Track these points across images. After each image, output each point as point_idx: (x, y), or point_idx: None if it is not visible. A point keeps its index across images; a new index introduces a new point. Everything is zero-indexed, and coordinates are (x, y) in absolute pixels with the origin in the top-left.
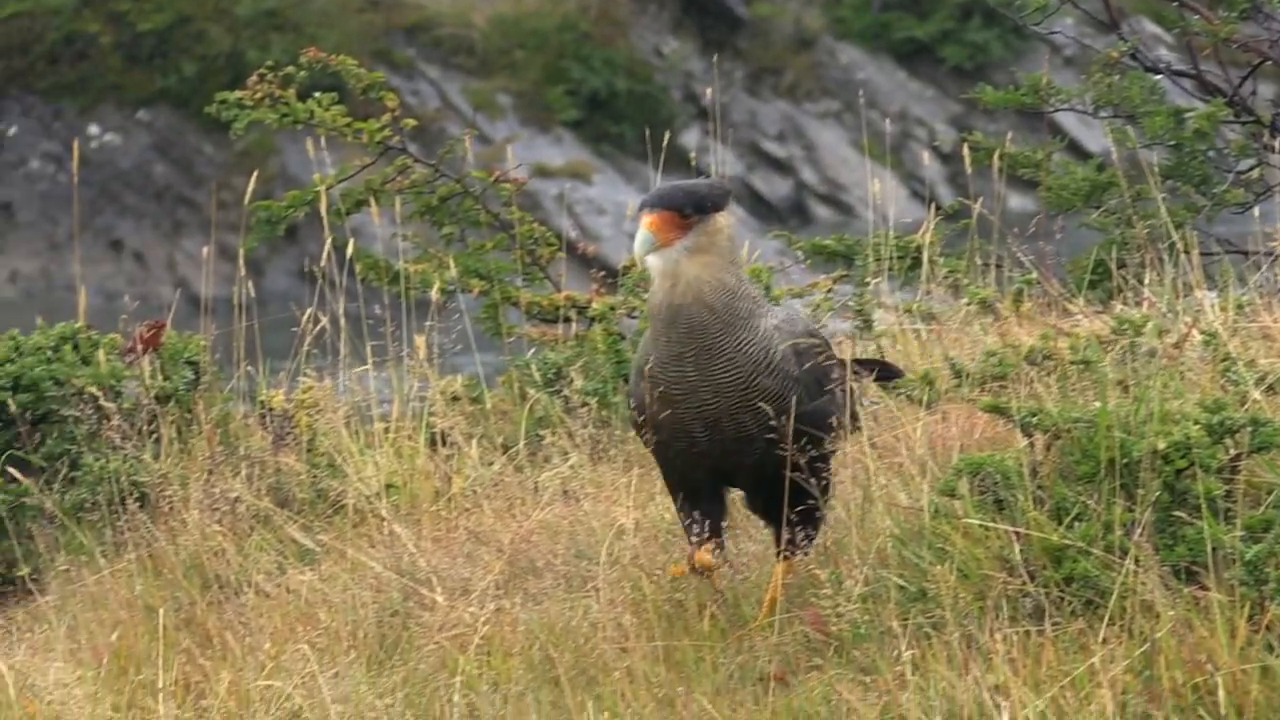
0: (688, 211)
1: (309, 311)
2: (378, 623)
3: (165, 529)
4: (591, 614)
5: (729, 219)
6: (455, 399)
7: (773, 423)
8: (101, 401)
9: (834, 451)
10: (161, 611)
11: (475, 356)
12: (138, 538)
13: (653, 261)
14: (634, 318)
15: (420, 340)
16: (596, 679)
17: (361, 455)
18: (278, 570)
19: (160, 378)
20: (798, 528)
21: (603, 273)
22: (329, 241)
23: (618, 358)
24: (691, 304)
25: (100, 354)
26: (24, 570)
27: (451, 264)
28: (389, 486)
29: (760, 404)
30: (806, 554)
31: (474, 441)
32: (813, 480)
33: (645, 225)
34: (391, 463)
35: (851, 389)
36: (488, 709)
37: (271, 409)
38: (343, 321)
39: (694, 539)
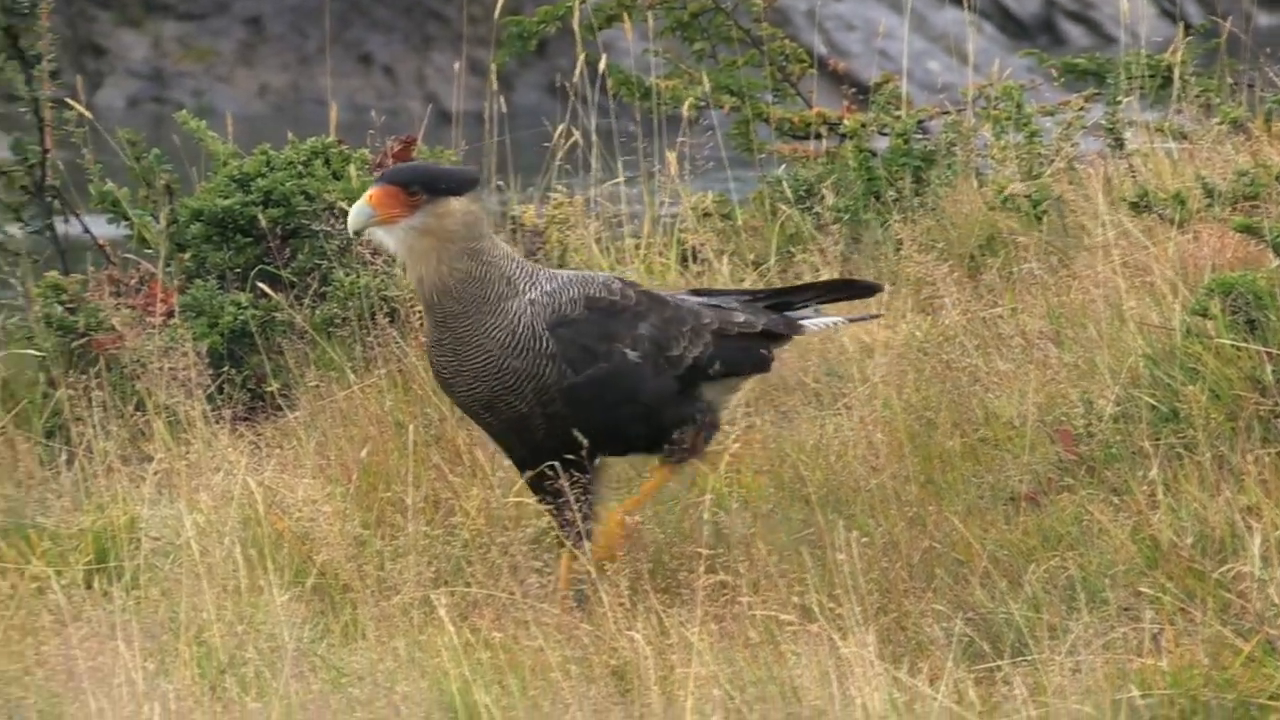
0: (414, 189)
1: (560, 127)
2: None
3: (415, 344)
4: (842, 432)
5: (466, 205)
6: (706, 215)
7: (546, 398)
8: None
9: (653, 397)
10: (411, 428)
11: (726, 173)
12: (387, 353)
13: (381, 236)
14: (885, 134)
15: (671, 156)
16: (846, 498)
17: (613, 270)
18: None
19: None
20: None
21: (853, 89)
22: (581, 57)
23: (869, 175)
24: (439, 296)
25: (351, 168)
26: (274, 386)
27: (704, 80)
28: None
29: (517, 384)
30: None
31: (725, 258)
32: (648, 432)
33: (365, 198)
34: (642, 278)
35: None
36: (737, 526)
37: (523, 224)
38: (594, 137)
39: (568, 540)
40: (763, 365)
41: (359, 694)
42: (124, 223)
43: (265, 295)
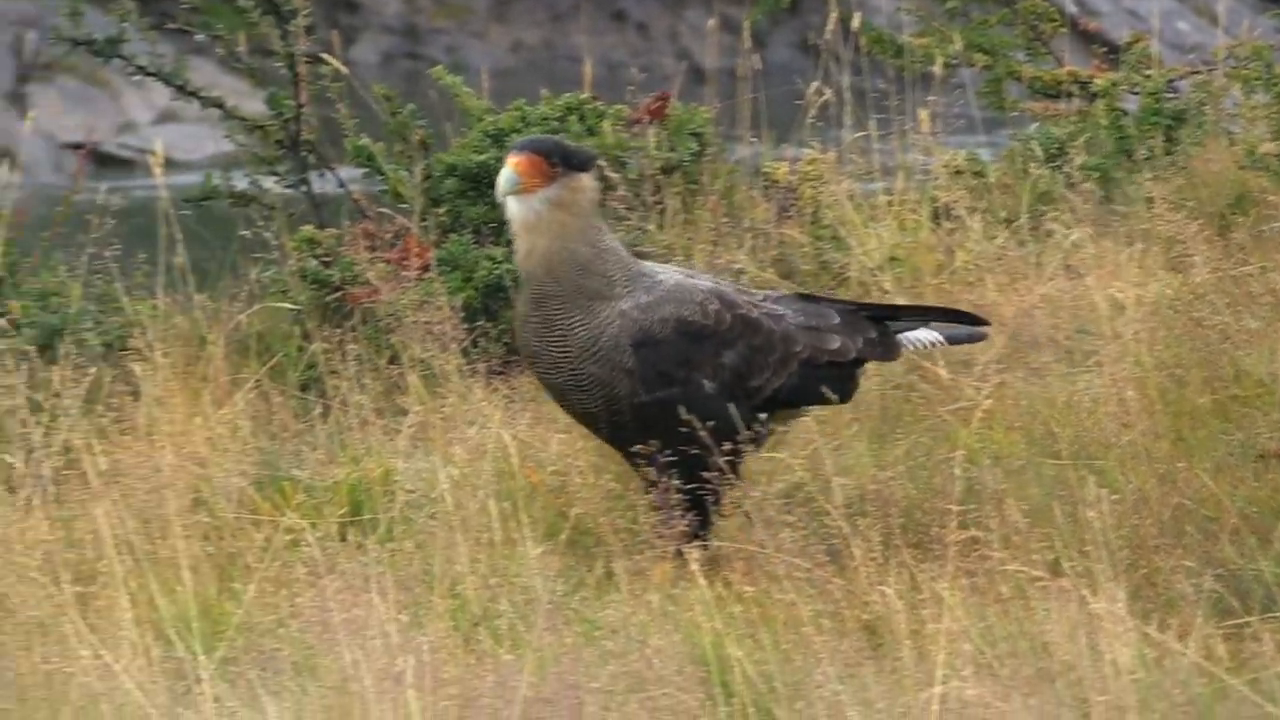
0: (554, 160)
1: (812, 84)
2: (880, 395)
3: None
4: (1093, 389)
5: (592, 182)
6: (958, 173)
7: (615, 407)
8: (607, 171)
9: (694, 449)
10: None
11: (978, 131)
12: None
13: (513, 207)
14: (1135, 94)
15: (923, 114)
16: (1097, 454)
17: (865, 228)
18: None
19: (665, 148)
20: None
21: (1103, 49)
22: (833, 14)
23: (1120, 134)
24: (541, 274)
25: (605, 124)
26: None
27: (955, 38)
28: (892, 259)
29: (590, 387)
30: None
31: (976, 215)
32: (678, 475)
33: (511, 165)
34: (894, 235)
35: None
36: (989, 481)
37: (775, 181)
38: (846, 94)
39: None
40: (845, 396)
41: (612, 647)
42: (379, 178)
43: None
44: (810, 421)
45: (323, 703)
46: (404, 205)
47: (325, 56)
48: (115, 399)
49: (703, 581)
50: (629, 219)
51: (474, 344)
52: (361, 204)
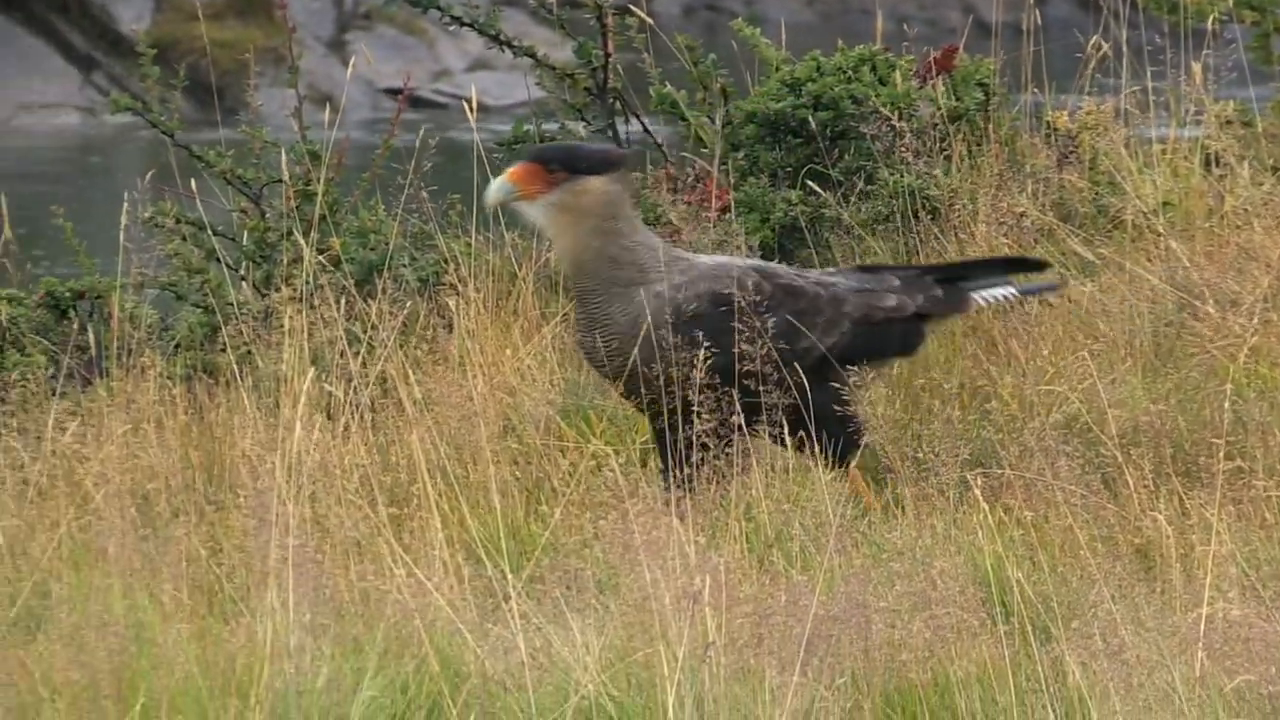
0: (553, 167)
1: (1092, 38)
2: (1153, 332)
3: (954, 241)
4: None
5: (605, 185)
6: (1228, 123)
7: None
8: (895, 120)
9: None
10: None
11: (1249, 86)
12: (928, 249)
13: (529, 212)
14: None
15: (1196, 68)
16: None
17: (1140, 174)
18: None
19: (952, 98)
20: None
21: None
22: None
23: None
24: (575, 272)
25: (896, 75)
26: None
27: None
28: (1165, 204)
29: (635, 371)
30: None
31: (1245, 163)
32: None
33: (506, 174)
34: (1168, 181)
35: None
36: (1255, 414)
37: (1056, 129)
38: (1124, 48)
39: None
40: (909, 348)
41: (898, 568)
42: (681, 124)
43: (814, 193)
44: (1085, 356)
45: (624, 619)
46: (704, 150)
47: (631, 8)
48: (430, 331)
49: (984, 506)
50: (916, 165)
51: None
52: (664, 149)
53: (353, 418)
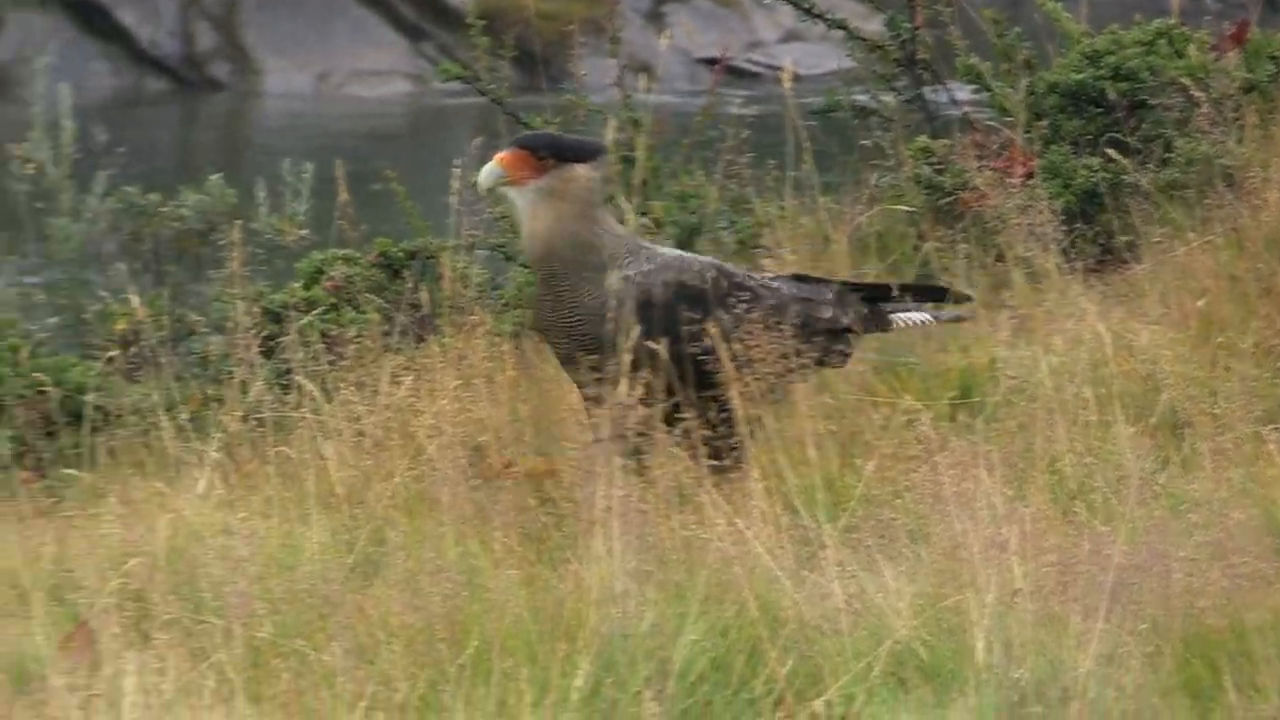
0: (542, 154)
1: None
2: None
3: (1249, 207)
4: None
5: (590, 173)
6: None
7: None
8: (1192, 91)
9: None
10: (1244, 281)
11: None
12: (1223, 214)
13: (512, 197)
14: None
15: None
16: None
17: None
18: None
19: (1244, 70)
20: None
21: None
22: None
23: None
24: (543, 255)
25: (1191, 48)
26: (1121, 241)
27: None
28: None
29: (599, 348)
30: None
31: None
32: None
33: (496, 159)
34: None
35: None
36: None
37: None
38: None
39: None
40: (838, 361)
41: (1196, 519)
42: (986, 94)
43: (1113, 160)
44: None
45: (934, 567)
46: (1008, 119)
47: None
48: None
49: (1279, 461)
50: (1211, 134)
51: (1072, 245)
52: (970, 117)
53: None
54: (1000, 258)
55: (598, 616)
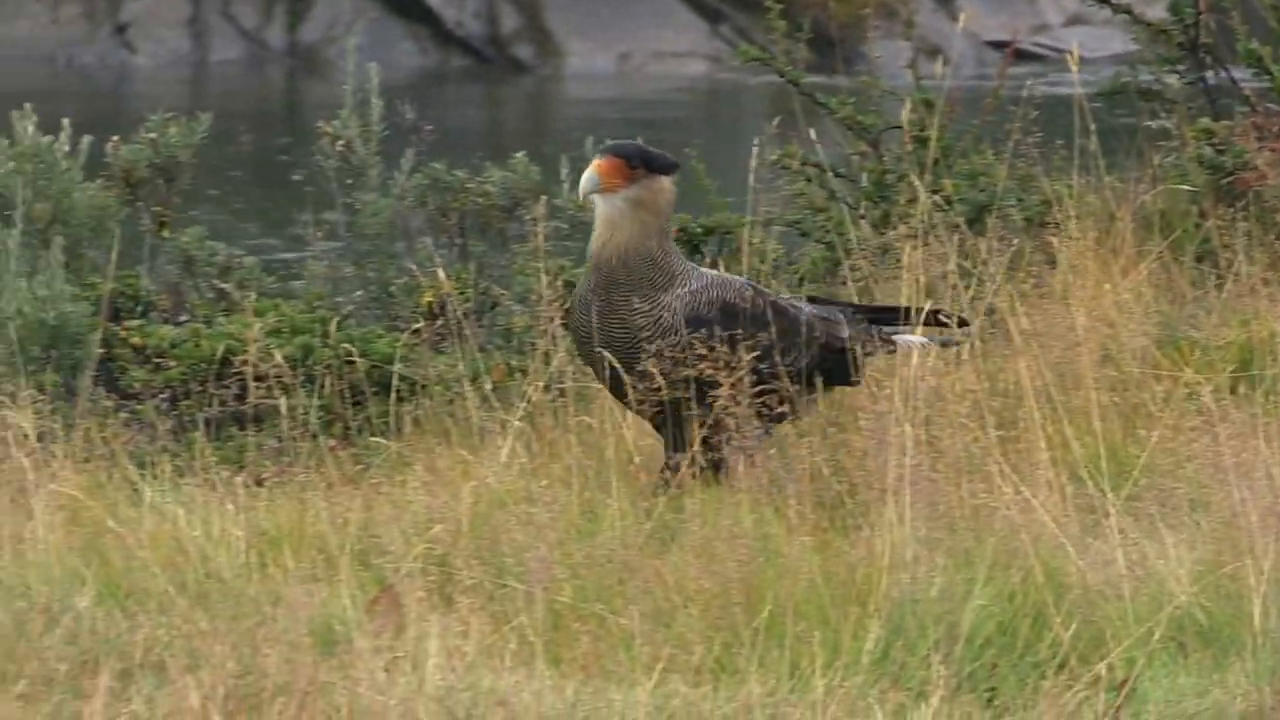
0: (635, 163)
1: None
2: None
3: None
4: None
5: (670, 185)
6: None
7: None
8: None
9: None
10: None
11: None
12: None
13: (598, 203)
14: None
15: None
16: None
17: None
18: None
19: None
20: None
21: None
22: None
23: None
24: (615, 264)
25: None
26: None
27: None
28: None
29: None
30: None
31: None
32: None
33: (593, 166)
34: None
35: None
36: None
37: None
38: None
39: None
40: (854, 379)
41: None
42: (1266, 77)
43: None
44: None
45: (1213, 535)
46: None
47: None
48: (1034, 267)
49: None
50: None
51: None
52: (1251, 99)
53: (966, 347)
54: None
55: (888, 582)
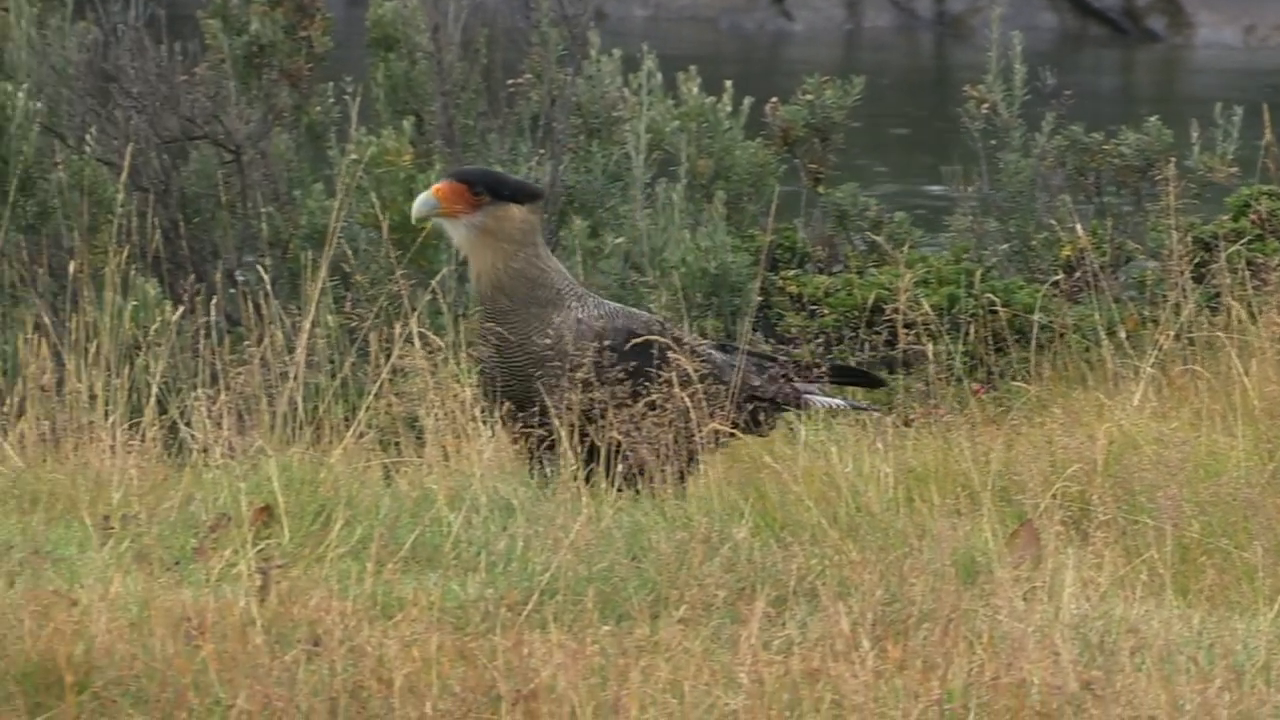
0: (478, 190)
1: None
2: None
3: None
4: None
5: (525, 214)
6: None
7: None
8: None
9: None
10: None
11: None
12: None
13: (447, 229)
14: None
15: None
16: None
17: None
18: None
19: None
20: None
21: None
22: None
23: None
24: (491, 293)
25: None
26: None
27: None
28: None
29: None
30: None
31: None
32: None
33: (432, 189)
34: None
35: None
36: None
37: None
38: None
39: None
40: (764, 429)
41: None
42: None
43: None
44: None
45: None
46: None
47: None
48: None
49: None
50: None
51: None
52: None
53: None
54: None
55: None
